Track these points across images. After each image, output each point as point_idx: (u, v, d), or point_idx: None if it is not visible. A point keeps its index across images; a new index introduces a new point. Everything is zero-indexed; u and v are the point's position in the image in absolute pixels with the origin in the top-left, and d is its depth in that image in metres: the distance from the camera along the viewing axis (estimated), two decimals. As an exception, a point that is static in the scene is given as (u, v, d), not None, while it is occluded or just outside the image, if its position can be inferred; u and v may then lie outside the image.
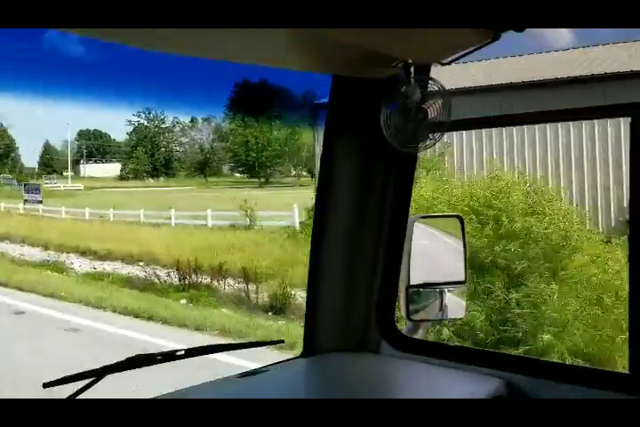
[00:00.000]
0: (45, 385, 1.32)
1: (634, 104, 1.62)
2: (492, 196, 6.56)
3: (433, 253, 1.94)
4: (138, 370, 1.45)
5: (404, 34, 1.41)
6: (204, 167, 48.08)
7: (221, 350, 1.76)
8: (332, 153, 1.85)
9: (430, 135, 1.71)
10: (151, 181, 47.77)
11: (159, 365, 1.50)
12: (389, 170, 1.86)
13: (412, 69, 1.72)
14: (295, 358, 1.84)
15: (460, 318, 2.11)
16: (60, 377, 1.33)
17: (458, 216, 1.94)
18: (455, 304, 1.91)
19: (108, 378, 1.38)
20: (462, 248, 1.90)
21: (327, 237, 1.83)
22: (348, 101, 1.84)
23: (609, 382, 1.56)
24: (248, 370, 1.63)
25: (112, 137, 55.19)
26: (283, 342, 1.89)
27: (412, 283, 1.84)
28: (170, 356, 1.50)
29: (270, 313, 9.78)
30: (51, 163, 50.86)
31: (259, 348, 1.83)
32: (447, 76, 2.84)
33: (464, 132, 12.38)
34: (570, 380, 1.57)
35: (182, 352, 1.50)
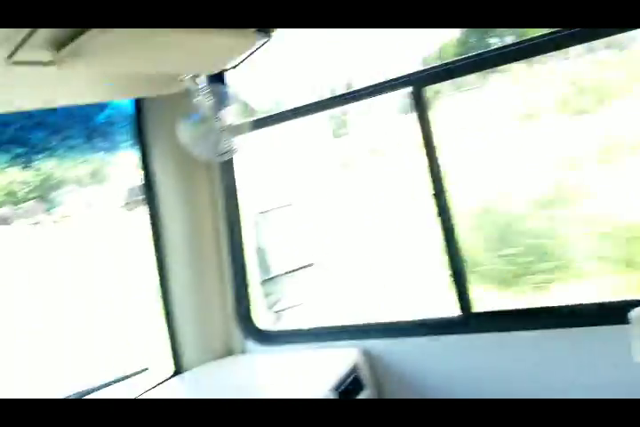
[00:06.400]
0: None
1: (412, 74, 1.70)
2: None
3: (278, 245, 2.02)
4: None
5: (180, 51, 1.41)
6: None
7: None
8: (152, 174, 1.87)
9: (233, 139, 1.75)
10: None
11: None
12: (213, 179, 1.92)
13: (200, 80, 1.73)
14: (168, 378, 1.89)
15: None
16: None
17: (291, 205, 2.03)
18: (310, 287, 2.02)
19: None
20: (304, 234, 2.01)
21: (169, 254, 1.87)
22: (154, 122, 1.86)
23: (444, 327, 1.77)
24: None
25: None
26: (147, 369, 1.87)
27: (265, 277, 1.93)
28: None
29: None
30: None
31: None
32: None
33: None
34: (410, 334, 1.78)
35: None
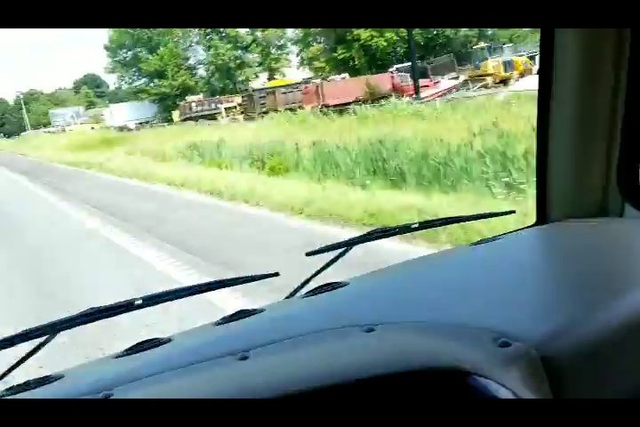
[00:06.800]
0: (308, 254, 1.47)
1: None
2: None
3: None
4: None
5: None
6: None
7: (455, 222, 1.78)
8: None
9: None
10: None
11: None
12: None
13: None
14: (528, 226, 1.78)
15: None
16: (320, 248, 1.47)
17: None
18: None
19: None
20: None
21: (555, 94, 1.69)
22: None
23: None
24: (481, 239, 1.65)
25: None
26: (514, 212, 1.81)
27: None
28: (406, 228, 1.61)
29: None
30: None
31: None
32: None
33: None
34: None
35: (416, 225, 1.60)
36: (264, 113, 30.88)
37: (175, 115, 47.02)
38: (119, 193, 13.63)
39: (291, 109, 26.52)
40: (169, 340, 1.13)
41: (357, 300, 1.28)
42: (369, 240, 1.53)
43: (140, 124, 52.12)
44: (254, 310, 1.24)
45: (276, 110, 28.73)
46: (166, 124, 44.55)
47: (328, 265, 1.46)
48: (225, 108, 38.42)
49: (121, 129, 50.50)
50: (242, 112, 36.68)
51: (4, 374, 1.12)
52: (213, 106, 42.33)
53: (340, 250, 1.47)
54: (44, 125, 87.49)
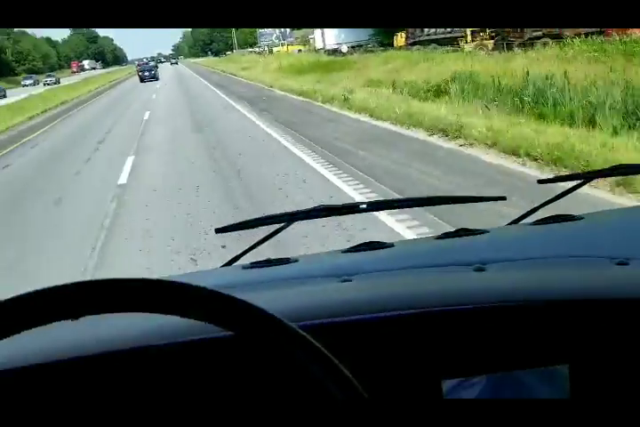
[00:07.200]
0: (540, 181, 1.41)
1: None
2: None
3: None
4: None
5: None
6: None
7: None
8: None
9: None
10: None
11: None
12: None
13: None
14: None
15: None
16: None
17: None
18: None
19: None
20: None
21: None
22: None
23: None
24: None
25: None
26: None
27: None
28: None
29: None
30: None
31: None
32: None
33: None
34: None
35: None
36: (534, 39, 23.56)
37: (398, 38, 40.76)
38: (432, 168, 8.00)
39: (597, 32, 18.95)
40: (392, 245, 1.13)
41: (599, 234, 1.19)
42: (611, 175, 1.46)
43: (353, 47, 46.80)
44: (477, 229, 1.19)
45: (557, 36, 21.32)
46: (384, 49, 38.44)
47: (560, 196, 1.35)
48: (470, 32, 31.23)
49: (333, 52, 45.80)
50: (492, 37, 29.34)
51: (250, 249, 1.28)
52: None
53: (574, 182, 1.34)
54: (250, 45, 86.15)
